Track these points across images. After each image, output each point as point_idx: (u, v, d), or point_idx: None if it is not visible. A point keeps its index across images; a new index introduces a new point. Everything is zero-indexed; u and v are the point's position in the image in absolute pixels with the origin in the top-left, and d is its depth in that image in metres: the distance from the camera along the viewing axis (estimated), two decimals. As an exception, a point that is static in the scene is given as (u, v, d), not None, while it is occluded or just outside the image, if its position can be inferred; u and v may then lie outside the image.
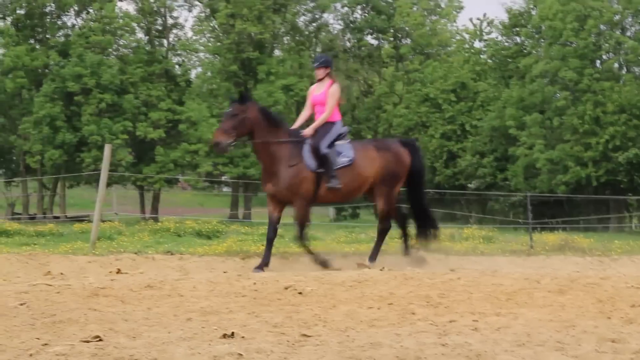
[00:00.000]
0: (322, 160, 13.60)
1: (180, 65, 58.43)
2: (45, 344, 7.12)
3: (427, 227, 15.11)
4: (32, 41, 55.33)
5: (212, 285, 11.07)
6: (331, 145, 13.77)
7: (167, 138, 54.91)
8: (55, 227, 27.55)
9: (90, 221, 23.88)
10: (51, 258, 14.53)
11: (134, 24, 56.33)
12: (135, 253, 15.63)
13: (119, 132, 52.40)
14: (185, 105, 54.54)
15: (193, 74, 59.47)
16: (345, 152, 13.89)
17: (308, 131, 13.80)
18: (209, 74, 58.26)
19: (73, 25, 57.33)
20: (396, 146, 14.67)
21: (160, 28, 57.82)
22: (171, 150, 54.32)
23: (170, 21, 57.93)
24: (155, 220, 36.98)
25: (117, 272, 13.01)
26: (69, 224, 33.64)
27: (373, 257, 14.57)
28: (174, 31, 58.36)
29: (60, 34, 57.23)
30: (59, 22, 57.30)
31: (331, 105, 13.90)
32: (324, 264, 13.80)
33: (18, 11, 55.02)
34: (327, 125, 13.88)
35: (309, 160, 13.57)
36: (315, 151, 13.61)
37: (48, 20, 56.39)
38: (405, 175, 14.62)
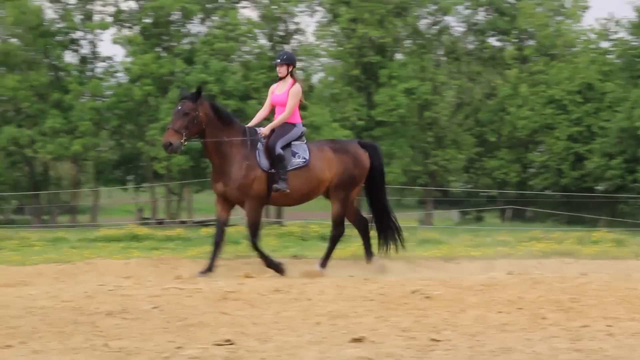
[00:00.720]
0: (275, 161, 13.22)
1: (302, 70, 58.82)
2: (179, 347, 7.25)
3: (388, 231, 14.59)
4: (158, 49, 56.51)
5: (339, 289, 11.10)
6: (287, 146, 13.38)
7: (290, 143, 55.35)
8: (183, 232, 28.06)
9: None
10: (181, 262, 14.81)
11: (257, 31, 56.97)
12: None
13: (243, 138, 53.07)
14: (307, 109, 54.91)
15: (315, 78, 59.81)
16: (300, 153, 13.52)
17: (265, 130, 13.44)
18: (330, 78, 58.51)
19: (198, 33, 58.34)
20: (354, 148, 14.21)
21: (282, 34, 58.33)
22: (294, 155, 54.74)
23: (292, 27, 58.40)
24: (280, 224, 37.29)
25: (246, 276, 13.15)
26: (195, 228, 34.22)
27: (324, 263, 14.28)
28: (296, 37, 58.77)
29: (186, 41, 58.27)
30: (184, 30, 58.38)
31: (291, 106, 13.49)
32: (277, 269, 13.42)
33: (145, 20, 56.28)
34: (286, 126, 13.51)
35: (262, 159, 13.21)
36: (269, 151, 13.24)
37: (174, 28, 57.52)
38: (363, 179, 14.18)
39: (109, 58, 58.32)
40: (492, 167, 56.17)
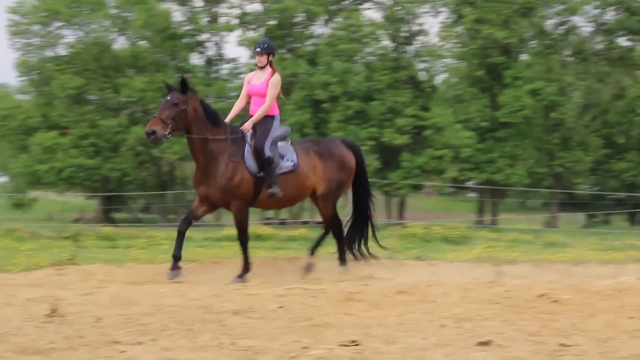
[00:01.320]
0: (265, 163, 12.57)
1: (425, 71, 58.53)
2: (305, 347, 7.27)
3: (363, 230, 14.10)
4: (282, 51, 57.07)
5: (465, 291, 10.97)
6: (274, 145, 12.74)
7: (412, 144, 55.16)
8: (306, 232, 28.23)
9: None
10: (304, 262, 14.84)
11: (380, 32, 56.95)
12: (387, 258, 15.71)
13: (366, 139, 53.12)
14: (430, 111, 54.59)
15: (438, 79, 59.45)
16: (288, 156, 12.92)
17: (247, 126, 12.73)
18: (454, 79, 58.08)
19: (321, 34, 58.70)
20: (340, 150, 13.58)
21: (405, 35, 58.16)
22: (417, 156, 54.51)
23: (415, 28, 58.16)
24: (403, 225, 37.16)
25: (369, 277, 13.13)
26: (318, 228, 34.36)
27: (342, 258, 13.98)
28: (420, 38, 58.54)
29: (309, 43, 58.73)
30: (308, 32, 58.82)
31: (271, 97, 12.77)
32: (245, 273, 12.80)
33: (269, 22, 56.92)
34: (267, 120, 12.80)
35: (250, 161, 12.56)
36: (258, 153, 12.59)
37: (297, 30, 58.01)
38: (350, 181, 13.74)
39: (234, 60, 59.32)
40: (620, 169, 54.77)
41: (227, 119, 12.90)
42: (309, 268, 13.49)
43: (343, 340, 7.54)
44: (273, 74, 12.80)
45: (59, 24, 56.51)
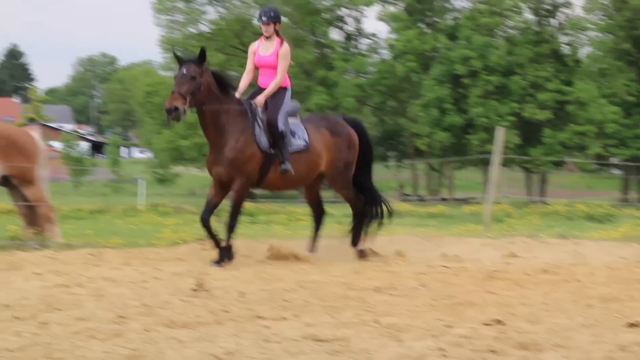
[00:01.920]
0: (277, 138, 11.64)
1: (569, 44, 57.20)
2: (448, 326, 7.19)
3: (377, 206, 13.03)
4: (422, 25, 56.70)
5: (611, 271, 10.70)
6: (286, 119, 11.83)
7: (554, 119, 54.06)
8: (445, 209, 28.02)
9: (478, 203, 23.97)
10: (445, 240, 14.73)
11: (523, 5, 55.90)
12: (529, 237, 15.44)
13: (506, 114, 52.36)
14: (573, 85, 53.35)
15: (582, 53, 58.01)
16: (300, 134, 11.98)
17: (260, 99, 11.74)
18: (599, 52, 56.54)
19: (462, 8, 58.02)
20: (347, 129, 12.64)
21: (549, 8, 56.92)
22: (559, 131, 53.42)
23: (559, 0, 56.85)
24: (544, 203, 36.53)
25: (511, 256, 12.93)
26: (457, 205, 34.13)
27: (356, 240, 12.90)
28: (564, 10, 57.20)
29: (449, 17, 58.15)
30: (449, 6, 58.22)
31: (283, 69, 11.84)
32: (226, 255, 11.48)
33: (409, -4, 56.62)
34: (279, 92, 11.85)
35: (261, 136, 11.60)
36: (271, 127, 11.65)
37: (438, 4, 57.49)
38: (355, 160, 12.74)
39: (373, 35, 59.31)
40: None
41: (237, 93, 11.89)
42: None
43: (486, 319, 7.43)
44: (282, 43, 11.91)
45: (202, 0, 57.55)
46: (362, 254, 12.60)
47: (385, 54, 57.90)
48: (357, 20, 59.04)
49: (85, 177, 67.25)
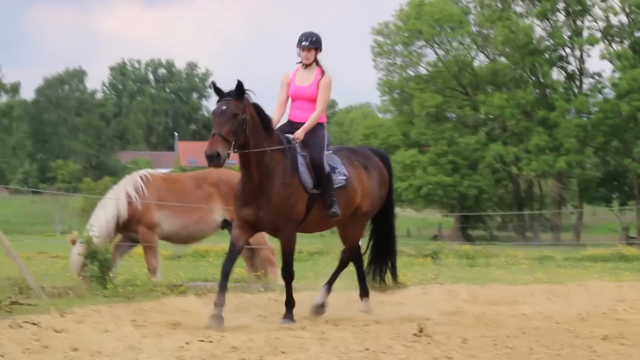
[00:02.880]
0: (324, 179, 10.34)
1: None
2: None
3: (388, 257, 11.81)
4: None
5: None
6: (328, 157, 10.54)
7: None
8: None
9: None
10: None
11: None
12: None
13: None
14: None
15: None
16: (339, 168, 10.64)
17: (299, 134, 10.40)
18: None
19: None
20: (380, 164, 11.34)
21: None
22: None
23: None
24: None
25: None
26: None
27: (366, 292, 11.48)
28: None
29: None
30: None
31: (324, 101, 10.60)
32: (290, 310, 10.43)
33: (636, 34, 54.83)
34: (317, 128, 10.57)
35: (306, 176, 10.28)
36: (316, 167, 10.35)
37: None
38: (385, 198, 11.44)
39: (597, 74, 57.75)
40: None
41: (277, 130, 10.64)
42: (319, 310, 11.00)
43: None
44: (322, 73, 10.65)
45: (421, 43, 57.88)
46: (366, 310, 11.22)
47: (609, 93, 56.27)
48: (580, 60, 57.71)
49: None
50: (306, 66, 10.68)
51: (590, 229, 61.33)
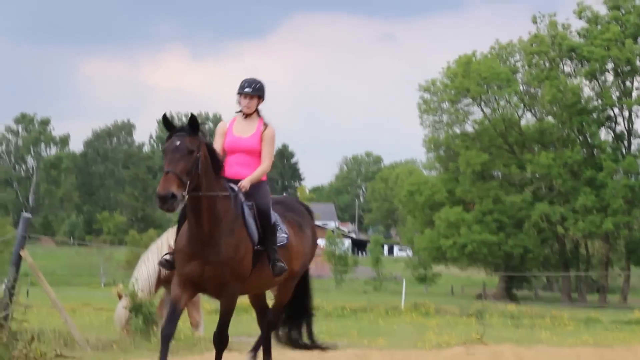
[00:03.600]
0: (267, 231, 9.22)
1: None
2: None
3: (304, 317, 10.39)
4: None
5: None
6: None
7: None
8: None
9: None
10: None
11: None
12: None
13: None
14: None
15: None
16: (280, 226, 9.53)
17: (245, 184, 9.23)
18: None
19: None
20: (312, 222, 10.25)
21: None
22: None
23: None
24: None
25: None
26: None
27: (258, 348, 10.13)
28: None
29: None
30: None
31: (271, 155, 9.53)
32: None
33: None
34: (262, 184, 9.49)
35: (253, 228, 9.11)
36: (262, 217, 9.23)
37: None
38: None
39: (646, 135, 57.33)
40: None
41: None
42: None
43: None
44: (265, 125, 9.52)
45: (467, 101, 57.86)
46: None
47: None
48: (629, 120, 57.28)
49: (347, 274, 68.36)
50: (247, 116, 9.54)
51: (638, 292, 60.43)
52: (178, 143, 8.49)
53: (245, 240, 8.95)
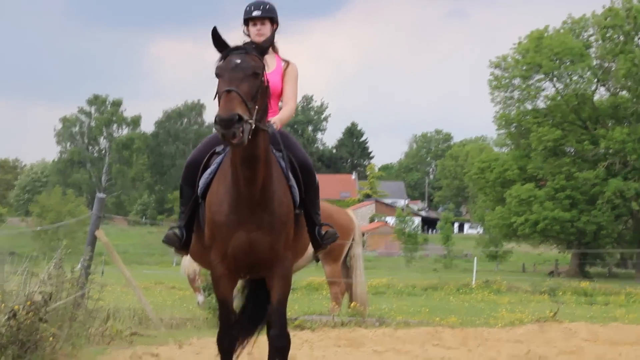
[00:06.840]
0: (309, 193, 7.20)
1: None
2: None
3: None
4: None
5: None
6: None
7: None
8: None
9: None
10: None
11: None
12: None
13: None
14: None
15: None
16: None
17: (279, 124, 7.17)
18: None
19: None
20: None
21: None
22: None
23: None
24: None
25: None
26: None
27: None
28: None
29: None
30: None
31: (296, 95, 7.56)
32: None
33: None
34: (288, 134, 7.47)
35: (295, 185, 7.01)
36: (306, 170, 7.23)
37: None
38: None
39: None
40: None
41: None
42: None
43: None
44: (286, 62, 7.63)
45: (539, 76, 57.11)
46: None
47: None
48: None
49: (417, 252, 68.28)
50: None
51: None
52: (239, 61, 6.30)
53: (290, 201, 6.87)
